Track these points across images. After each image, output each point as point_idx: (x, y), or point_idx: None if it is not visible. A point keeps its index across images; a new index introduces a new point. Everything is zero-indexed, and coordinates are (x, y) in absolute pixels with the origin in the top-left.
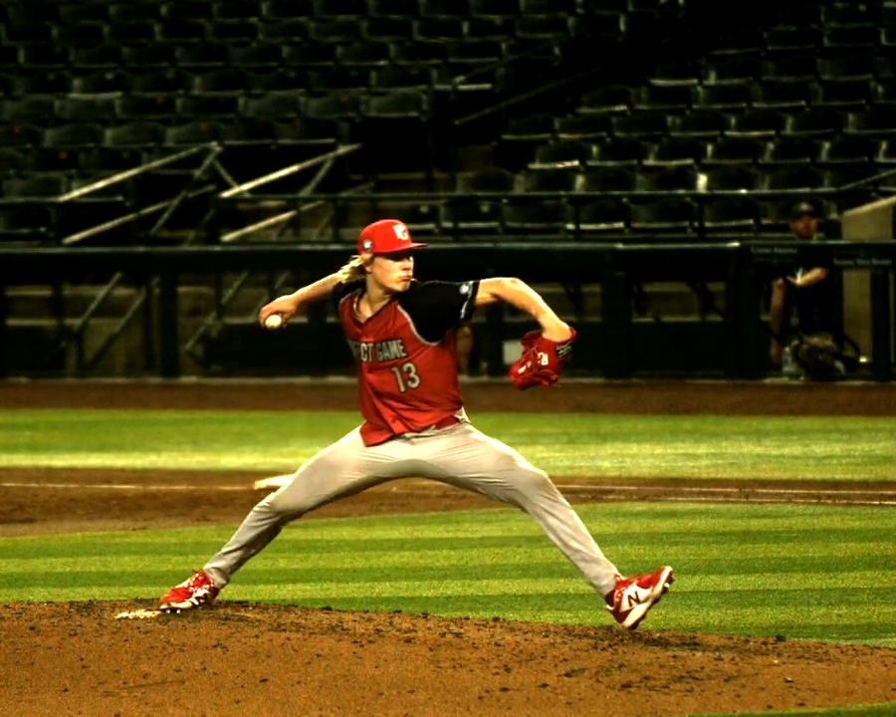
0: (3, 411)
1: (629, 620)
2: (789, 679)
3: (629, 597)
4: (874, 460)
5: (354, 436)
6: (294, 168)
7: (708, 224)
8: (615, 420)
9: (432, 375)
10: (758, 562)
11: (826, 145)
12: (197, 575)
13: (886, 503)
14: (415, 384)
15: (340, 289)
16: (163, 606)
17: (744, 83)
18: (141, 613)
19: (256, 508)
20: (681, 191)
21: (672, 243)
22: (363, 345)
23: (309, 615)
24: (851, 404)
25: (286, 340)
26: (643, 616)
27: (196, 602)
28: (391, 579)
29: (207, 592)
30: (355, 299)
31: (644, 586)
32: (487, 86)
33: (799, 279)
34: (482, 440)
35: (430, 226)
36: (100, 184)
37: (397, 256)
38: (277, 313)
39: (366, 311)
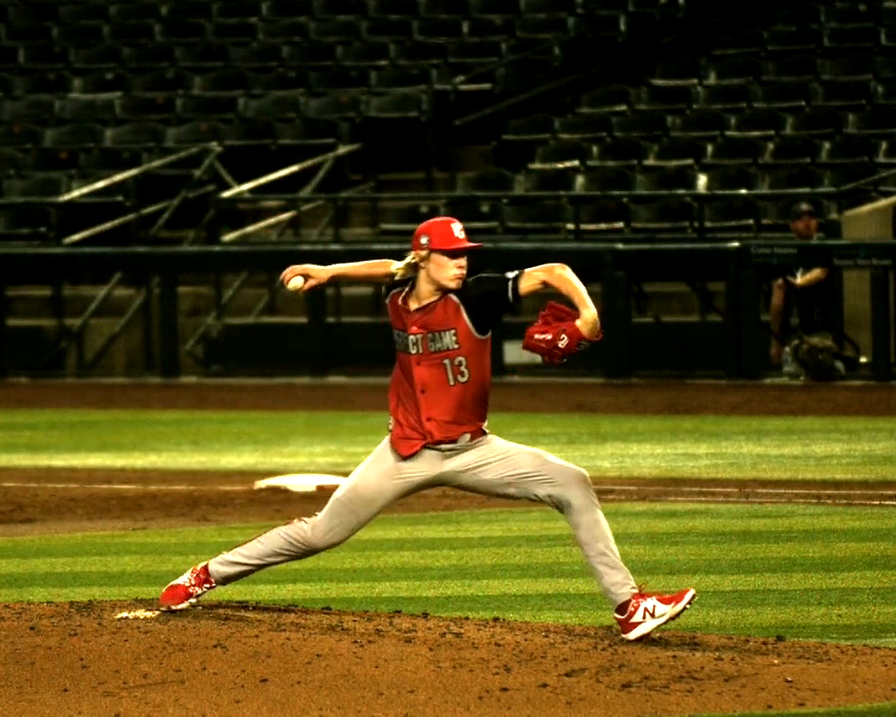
0: (3, 411)
1: (635, 633)
2: (789, 679)
3: (645, 610)
4: (874, 460)
5: (385, 451)
6: (294, 168)
7: (708, 224)
8: (615, 420)
9: (479, 371)
10: (758, 562)
11: (826, 145)
12: (198, 572)
13: (886, 503)
14: (464, 379)
15: (391, 282)
16: (162, 608)
17: (744, 83)
18: (141, 613)
19: (286, 536)
20: (681, 191)
21: (672, 243)
22: (412, 336)
23: (309, 615)
24: (851, 404)
25: (286, 340)
26: (649, 633)
27: (195, 602)
28: (391, 579)
29: (207, 589)
30: (403, 291)
31: (664, 602)
32: (487, 86)
33: (799, 279)
34: (510, 444)
35: None
36: (100, 184)
37: (453, 253)
38: (303, 276)
39: (414, 304)
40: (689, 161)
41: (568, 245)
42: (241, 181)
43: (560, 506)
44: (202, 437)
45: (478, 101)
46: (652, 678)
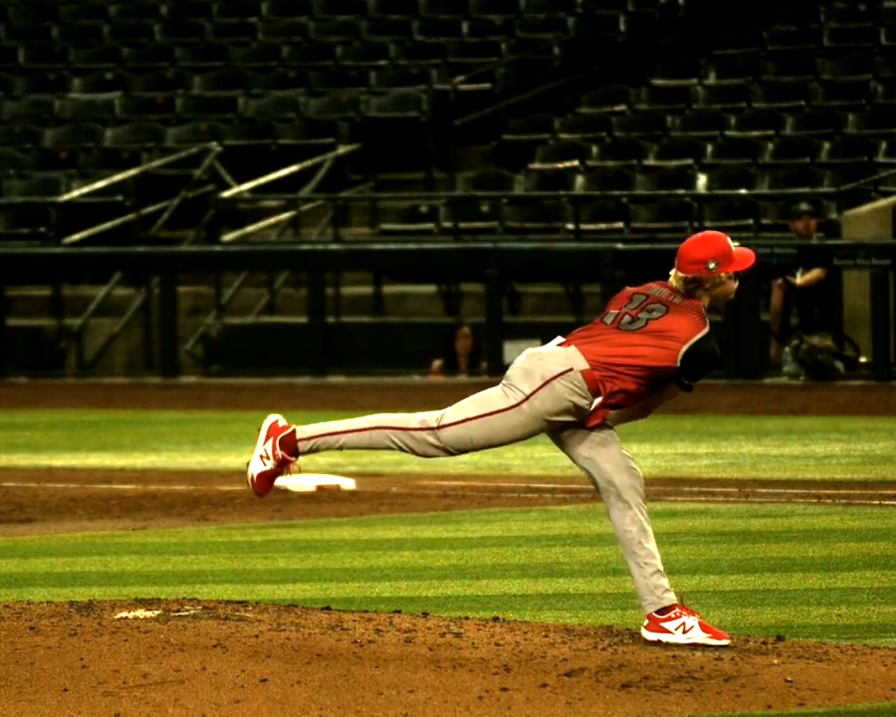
0: (3, 411)
1: (656, 635)
2: (789, 679)
3: (682, 624)
4: (874, 460)
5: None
6: (294, 168)
7: (708, 224)
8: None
9: None
10: (758, 562)
11: (826, 145)
12: (281, 453)
13: (886, 503)
14: None
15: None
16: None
17: (744, 83)
18: (141, 613)
19: (425, 437)
20: (681, 191)
21: (672, 243)
22: None
23: (309, 615)
24: (851, 404)
25: (286, 340)
26: (664, 642)
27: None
28: (391, 579)
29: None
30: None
31: (703, 628)
32: (487, 86)
33: (799, 279)
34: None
35: (430, 226)
36: (100, 184)
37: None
38: None
39: None
40: (689, 161)
41: (568, 245)
42: (241, 181)
43: (606, 492)
44: (202, 437)
45: (478, 101)
46: (652, 678)
